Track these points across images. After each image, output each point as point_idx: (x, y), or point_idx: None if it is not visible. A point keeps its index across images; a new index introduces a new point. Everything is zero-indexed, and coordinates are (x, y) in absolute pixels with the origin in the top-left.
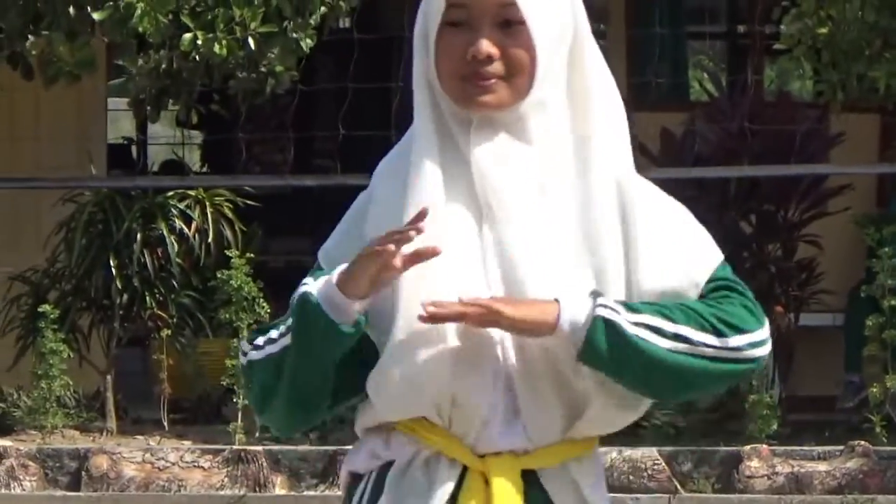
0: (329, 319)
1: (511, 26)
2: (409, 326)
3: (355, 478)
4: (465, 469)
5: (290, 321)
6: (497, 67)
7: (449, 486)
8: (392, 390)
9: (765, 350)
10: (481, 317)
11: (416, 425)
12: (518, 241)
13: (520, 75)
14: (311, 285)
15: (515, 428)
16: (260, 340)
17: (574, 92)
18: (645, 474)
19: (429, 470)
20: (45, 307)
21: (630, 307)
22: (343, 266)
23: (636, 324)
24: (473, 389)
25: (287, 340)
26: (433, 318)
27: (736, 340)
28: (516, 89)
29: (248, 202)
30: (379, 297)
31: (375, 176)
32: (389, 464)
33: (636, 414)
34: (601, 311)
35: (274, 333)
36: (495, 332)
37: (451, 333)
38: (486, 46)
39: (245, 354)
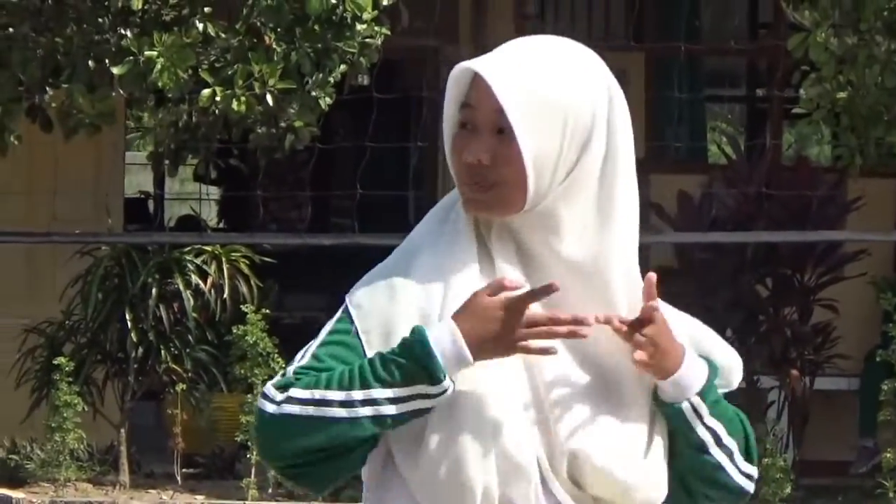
0: (443, 377)
1: (503, 133)
2: (454, 418)
3: None
4: None
5: (367, 382)
6: (489, 175)
7: None
8: (439, 489)
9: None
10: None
11: None
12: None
13: (506, 185)
14: (436, 343)
15: None
16: (300, 395)
17: (601, 210)
18: None
19: None
20: (60, 360)
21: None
22: (457, 326)
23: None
24: (519, 497)
25: (364, 408)
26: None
27: (755, 471)
28: (509, 199)
29: (265, 259)
30: None
31: (416, 238)
32: None
33: None
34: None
35: (336, 393)
36: (550, 440)
37: (495, 432)
38: (476, 153)
39: (270, 399)
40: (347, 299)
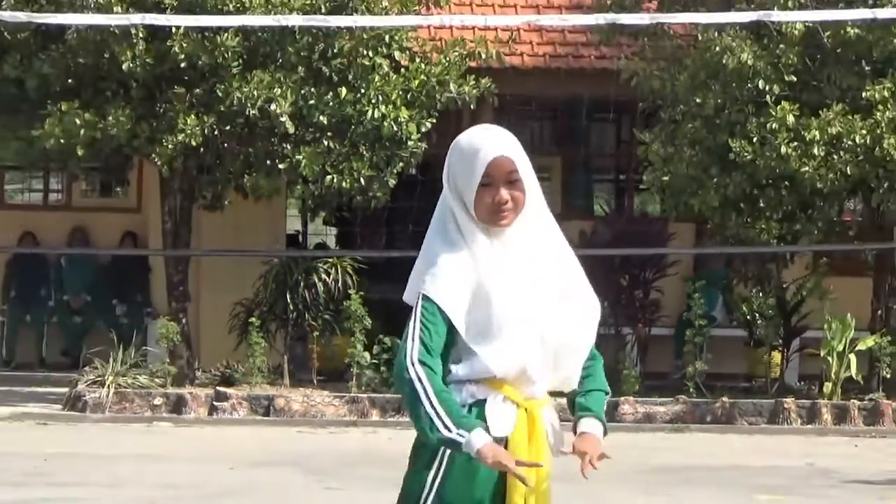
0: (457, 446)
1: (514, 182)
2: (510, 332)
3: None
4: (517, 405)
5: (440, 408)
6: (509, 205)
7: (513, 413)
8: (503, 364)
9: None
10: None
11: (497, 382)
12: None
13: (520, 206)
14: (469, 438)
15: (539, 388)
16: (423, 376)
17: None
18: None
19: (503, 404)
20: (252, 319)
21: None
22: (488, 445)
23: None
24: (534, 370)
25: (432, 414)
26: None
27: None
28: (517, 213)
29: (361, 265)
30: (477, 311)
31: (436, 245)
32: (476, 401)
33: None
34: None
35: (430, 395)
36: (547, 344)
37: (529, 343)
38: (504, 195)
39: (411, 365)
40: (422, 290)
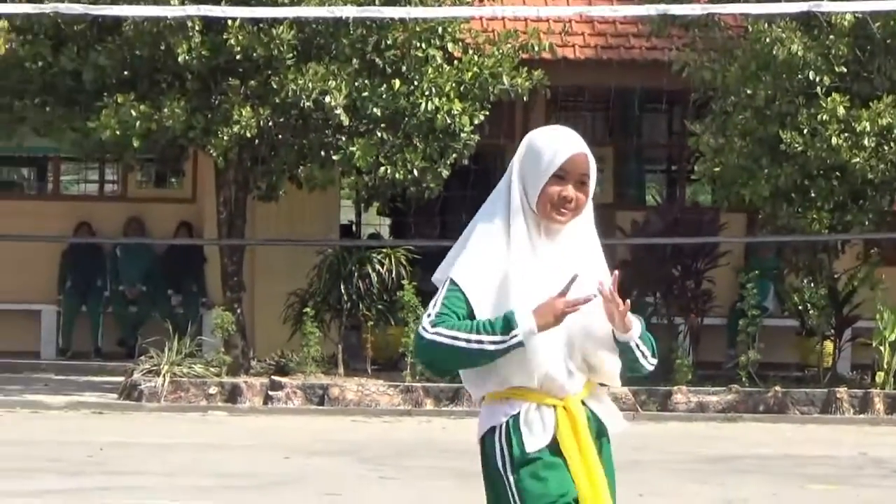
0: (521, 345)
1: (583, 185)
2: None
3: (490, 430)
4: (554, 407)
5: (478, 334)
6: (572, 204)
7: (551, 417)
8: (522, 373)
9: None
10: (612, 305)
11: (523, 392)
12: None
13: (581, 209)
14: (520, 328)
15: (572, 384)
16: (444, 331)
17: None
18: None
19: (539, 413)
20: (307, 309)
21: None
22: (532, 315)
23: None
24: (557, 372)
25: (476, 345)
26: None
27: (655, 362)
28: (576, 215)
29: (414, 255)
30: (499, 304)
31: (478, 224)
32: (509, 418)
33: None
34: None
35: (462, 335)
36: (573, 343)
37: (550, 346)
38: (571, 192)
39: (426, 331)
40: (451, 274)
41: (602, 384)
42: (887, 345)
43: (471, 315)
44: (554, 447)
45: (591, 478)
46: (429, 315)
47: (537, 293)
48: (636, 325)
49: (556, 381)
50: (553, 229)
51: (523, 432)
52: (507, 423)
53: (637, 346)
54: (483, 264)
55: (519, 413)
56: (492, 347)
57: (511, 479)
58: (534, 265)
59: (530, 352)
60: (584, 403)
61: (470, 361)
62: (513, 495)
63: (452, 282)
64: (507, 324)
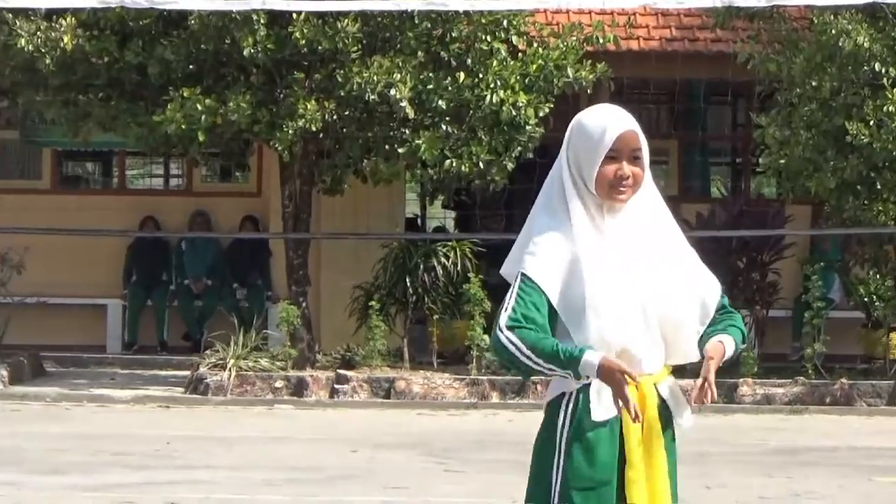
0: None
1: (636, 159)
2: (605, 311)
3: (560, 395)
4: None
5: (546, 359)
6: (630, 180)
7: None
8: (598, 348)
9: None
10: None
11: None
12: (655, 271)
13: (639, 184)
14: (586, 363)
15: (648, 362)
16: (516, 342)
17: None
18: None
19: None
20: (372, 302)
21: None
22: (603, 366)
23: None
24: (635, 347)
25: (535, 366)
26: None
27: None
28: (636, 190)
29: (480, 248)
30: (572, 289)
31: (538, 216)
32: (581, 385)
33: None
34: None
35: (532, 355)
36: (649, 319)
37: (628, 321)
38: (627, 170)
39: (501, 332)
40: (521, 268)
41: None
42: None
43: (549, 306)
44: (616, 425)
45: (647, 460)
46: (505, 311)
47: (608, 273)
48: (729, 350)
49: (633, 357)
50: (616, 208)
51: (592, 400)
52: (578, 389)
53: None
54: (549, 253)
55: (591, 382)
56: (548, 372)
57: (563, 448)
58: (601, 246)
59: (604, 317)
60: (656, 389)
61: (530, 375)
62: (558, 465)
63: (524, 276)
64: (574, 363)
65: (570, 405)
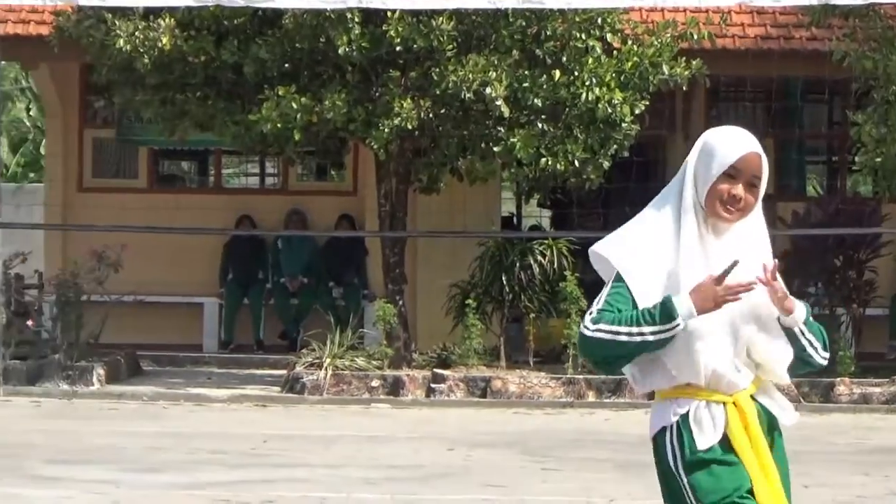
0: (680, 327)
1: (753, 186)
2: (696, 337)
3: (661, 429)
4: (724, 403)
5: (638, 326)
6: (741, 203)
7: (721, 414)
8: (691, 371)
9: None
10: (776, 288)
11: (691, 390)
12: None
13: (749, 209)
14: (679, 313)
15: (739, 380)
16: (604, 327)
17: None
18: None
19: (708, 410)
20: (469, 301)
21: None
22: (690, 298)
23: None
24: (724, 368)
25: (637, 337)
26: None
27: (827, 356)
28: (743, 215)
29: (575, 246)
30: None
31: (648, 220)
32: (679, 417)
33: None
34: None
35: (623, 328)
36: (739, 336)
37: (717, 342)
38: (741, 192)
39: (588, 329)
40: (617, 267)
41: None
42: None
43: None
44: (725, 444)
45: (764, 472)
46: (590, 312)
47: None
48: (800, 308)
49: (723, 378)
50: (720, 227)
51: (693, 430)
52: (678, 422)
53: (803, 332)
54: (650, 259)
55: (688, 412)
56: (652, 338)
57: (684, 477)
58: (701, 262)
59: (694, 339)
60: (753, 399)
61: (632, 353)
62: (687, 493)
63: (618, 276)
64: (666, 311)
65: (675, 438)
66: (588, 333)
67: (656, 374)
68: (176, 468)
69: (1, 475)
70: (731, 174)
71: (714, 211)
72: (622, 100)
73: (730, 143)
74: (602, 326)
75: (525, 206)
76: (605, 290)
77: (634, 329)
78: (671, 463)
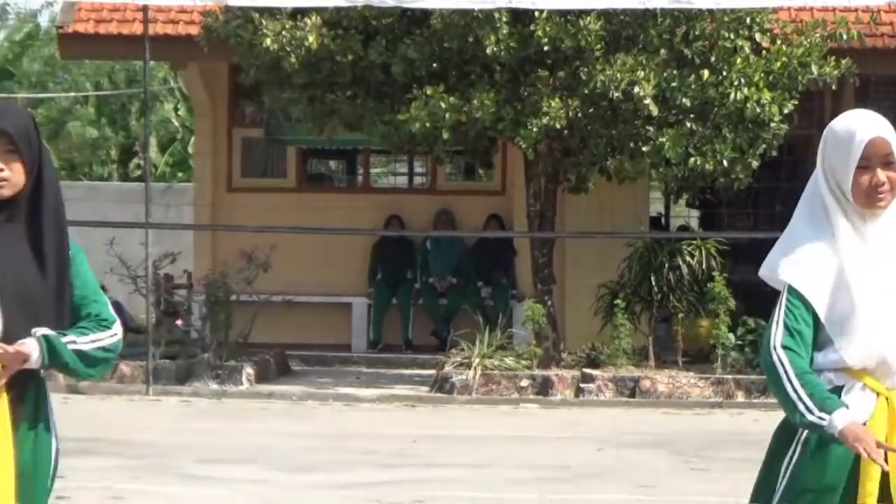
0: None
1: (890, 164)
2: (868, 322)
3: None
4: (878, 394)
5: (805, 393)
6: (886, 187)
7: (872, 401)
8: (860, 356)
9: None
10: None
11: (857, 372)
12: None
13: (895, 189)
14: (830, 419)
15: None
16: (786, 361)
17: None
18: None
19: (863, 394)
20: (617, 301)
21: None
22: (850, 424)
23: None
24: (892, 359)
25: (794, 398)
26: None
27: None
28: (894, 195)
29: (724, 246)
30: (838, 299)
31: (800, 226)
32: (833, 387)
33: None
34: None
35: (793, 382)
36: None
37: (890, 333)
38: (882, 177)
39: (774, 349)
40: (787, 279)
41: None
42: None
43: (814, 318)
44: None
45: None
46: (777, 324)
47: (874, 279)
48: None
49: (888, 371)
50: (876, 214)
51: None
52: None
53: None
54: (815, 265)
55: (843, 386)
56: (803, 412)
57: (798, 449)
58: (864, 253)
59: (870, 324)
60: None
61: (783, 405)
62: (788, 465)
63: (790, 289)
64: (828, 405)
65: None
66: (772, 355)
67: (828, 352)
68: (326, 468)
69: (152, 474)
70: (863, 165)
71: (864, 204)
72: (771, 99)
73: (851, 134)
74: (786, 362)
75: (673, 206)
76: (782, 302)
77: (802, 393)
78: (797, 430)
